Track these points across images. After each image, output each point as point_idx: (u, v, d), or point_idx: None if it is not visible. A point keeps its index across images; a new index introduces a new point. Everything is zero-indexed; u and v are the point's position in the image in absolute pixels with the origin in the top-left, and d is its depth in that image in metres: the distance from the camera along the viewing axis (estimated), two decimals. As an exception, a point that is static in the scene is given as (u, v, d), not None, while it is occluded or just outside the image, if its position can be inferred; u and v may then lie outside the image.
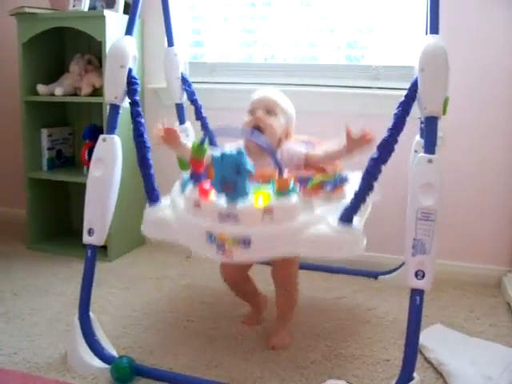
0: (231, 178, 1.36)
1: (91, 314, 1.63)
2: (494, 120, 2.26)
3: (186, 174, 1.63)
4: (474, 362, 1.60)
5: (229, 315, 1.96)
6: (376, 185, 1.71)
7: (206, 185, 1.45)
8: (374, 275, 2.35)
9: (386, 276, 2.32)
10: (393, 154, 1.41)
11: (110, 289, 2.21)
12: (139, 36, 2.62)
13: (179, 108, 2.22)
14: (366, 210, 1.65)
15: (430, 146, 1.37)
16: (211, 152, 1.42)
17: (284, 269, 1.74)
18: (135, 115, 1.66)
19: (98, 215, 1.63)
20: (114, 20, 2.38)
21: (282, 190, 1.39)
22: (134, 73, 1.67)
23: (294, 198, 1.40)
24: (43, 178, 2.69)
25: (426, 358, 1.68)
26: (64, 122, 2.85)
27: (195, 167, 1.48)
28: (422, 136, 1.91)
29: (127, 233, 2.63)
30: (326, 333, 1.86)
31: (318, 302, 2.11)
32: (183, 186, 1.57)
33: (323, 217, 1.44)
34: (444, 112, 1.38)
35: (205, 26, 2.71)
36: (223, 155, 1.37)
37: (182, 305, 2.07)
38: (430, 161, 1.35)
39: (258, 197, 1.39)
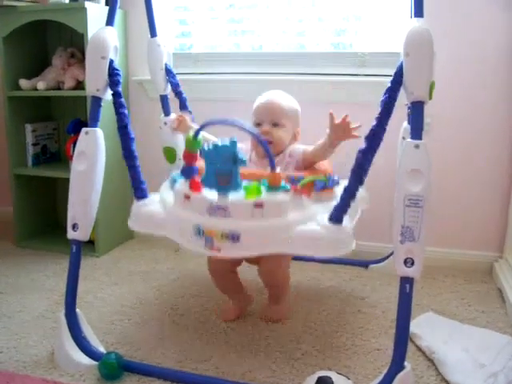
0: (227, 169, 1.34)
1: (78, 310, 1.61)
2: (481, 106, 2.24)
3: (175, 173, 1.61)
4: (466, 349, 1.60)
5: (218, 309, 1.93)
6: (365, 193, 1.72)
7: (198, 179, 1.43)
8: (365, 264, 2.34)
9: (377, 265, 2.31)
10: (381, 142, 1.39)
11: (98, 284, 2.18)
12: (123, 28, 2.58)
13: (164, 99, 2.19)
14: (356, 212, 1.64)
15: (416, 131, 1.34)
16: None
17: (271, 267, 1.73)
18: (118, 106, 1.61)
19: (82, 210, 1.60)
20: (96, 12, 2.34)
21: (274, 185, 1.38)
22: (118, 65, 1.64)
23: (286, 194, 1.39)
24: (29, 175, 2.65)
25: (417, 347, 1.67)
26: (48, 117, 2.81)
27: (189, 160, 1.46)
28: (409, 122, 1.89)
29: (115, 227, 2.61)
30: (316, 323, 1.85)
31: (309, 293, 2.09)
32: (172, 183, 1.55)
33: (313, 215, 1.42)
34: (430, 97, 1.36)
35: (192, 16, 2.68)
36: (216, 147, 1.34)
37: (170, 299, 2.05)
38: (416, 146, 1.33)
39: (250, 191, 1.37)
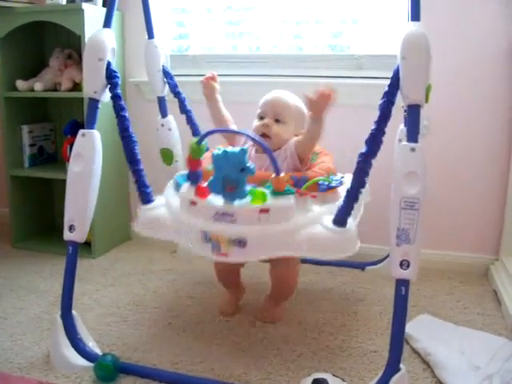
0: (234, 177, 1.36)
1: (74, 311, 1.61)
2: (479, 108, 2.25)
3: (179, 174, 1.62)
4: (461, 351, 1.60)
5: (214, 311, 1.94)
6: (367, 186, 1.73)
7: (203, 184, 1.44)
8: (362, 266, 2.34)
9: (373, 267, 2.31)
10: (381, 144, 1.39)
11: (94, 286, 2.18)
12: (119, 29, 2.58)
13: (161, 101, 2.19)
14: (359, 211, 1.66)
15: (412, 134, 1.35)
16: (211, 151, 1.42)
17: (282, 270, 1.76)
18: (118, 109, 1.61)
19: (79, 211, 1.60)
20: (93, 13, 2.34)
21: (279, 190, 1.39)
22: (115, 66, 1.64)
23: (291, 199, 1.40)
24: (25, 176, 2.65)
25: (413, 349, 1.68)
26: (45, 118, 2.81)
27: (193, 166, 1.47)
28: (405, 125, 1.89)
29: (111, 229, 2.61)
30: (312, 325, 1.85)
31: (305, 295, 2.09)
32: (177, 186, 1.56)
33: (318, 218, 1.44)
34: (426, 100, 1.36)
35: (189, 18, 2.68)
36: (226, 153, 1.35)
37: (167, 301, 2.05)
38: (412, 149, 1.33)
39: (255, 197, 1.38)
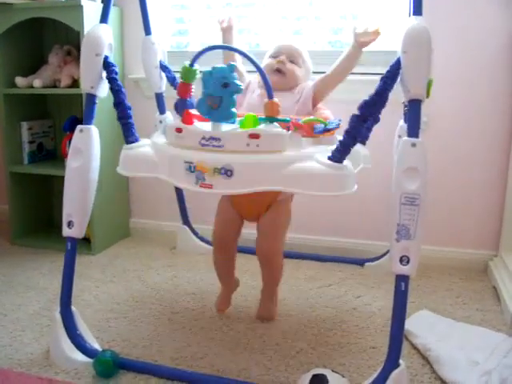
0: (218, 93, 1.32)
1: (73, 307, 1.60)
2: (480, 104, 2.25)
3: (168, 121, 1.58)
4: (460, 346, 1.60)
5: (214, 307, 1.93)
6: (367, 152, 1.70)
7: (192, 111, 1.40)
8: (361, 262, 2.34)
9: (373, 263, 2.31)
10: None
11: (93, 282, 2.18)
12: (118, 25, 2.57)
13: (159, 98, 2.19)
14: (357, 165, 1.57)
15: (413, 129, 1.34)
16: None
17: (268, 243, 1.72)
18: (116, 88, 1.59)
19: (77, 207, 1.59)
20: (92, 9, 2.33)
21: (272, 115, 1.34)
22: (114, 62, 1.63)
23: (284, 127, 1.36)
24: (24, 172, 2.65)
25: (412, 344, 1.68)
26: (44, 115, 2.81)
27: (183, 91, 1.44)
28: (405, 121, 1.89)
29: (110, 225, 2.61)
30: (312, 321, 1.85)
31: (305, 291, 2.10)
32: (165, 129, 1.53)
33: (313, 154, 1.37)
34: (427, 95, 1.36)
35: (189, 14, 2.68)
36: (213, 70, 1.33)
37: (166, 297, 2.05)
38: (413, 144, 1.32)
39: (246, 121, 1.33)
